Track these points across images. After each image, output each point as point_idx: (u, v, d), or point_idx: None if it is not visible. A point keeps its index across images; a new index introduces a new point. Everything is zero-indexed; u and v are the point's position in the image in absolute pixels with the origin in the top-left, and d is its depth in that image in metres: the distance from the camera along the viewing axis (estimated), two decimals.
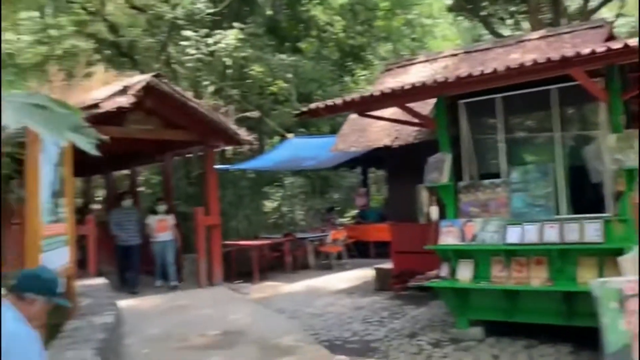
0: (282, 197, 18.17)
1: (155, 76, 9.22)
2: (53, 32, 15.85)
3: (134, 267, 9.94)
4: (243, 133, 10.52)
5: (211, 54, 13.72)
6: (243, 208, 14.62)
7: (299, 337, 6.52)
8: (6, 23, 15.38)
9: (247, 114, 13.95)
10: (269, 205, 17.97)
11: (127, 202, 10.29)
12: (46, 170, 5.21)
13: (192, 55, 13.71)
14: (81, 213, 10.76)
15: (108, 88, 9.31)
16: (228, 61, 13.90)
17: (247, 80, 14.98)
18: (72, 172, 6.43)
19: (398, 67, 10.25)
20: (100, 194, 17.69)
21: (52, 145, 5.47)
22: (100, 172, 15.12)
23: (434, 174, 6.28)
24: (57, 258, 5.30)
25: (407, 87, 5.81)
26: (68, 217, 6.09)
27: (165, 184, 12.19)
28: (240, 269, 11.25)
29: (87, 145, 1.79)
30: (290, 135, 14.64)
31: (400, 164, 8.74)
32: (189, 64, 14.20)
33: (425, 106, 7.57)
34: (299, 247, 12.45)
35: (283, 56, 15.03)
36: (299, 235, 13.04)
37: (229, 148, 12.49)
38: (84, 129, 2.03)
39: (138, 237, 10.00)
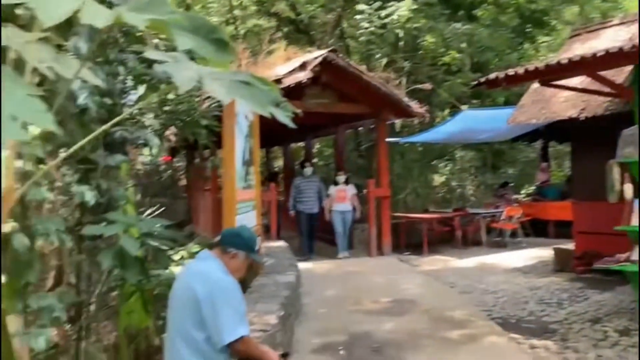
0: (452, 171, 17.79)
1: (331, 51, 9.52)
2: (238, 12, 17.11)
3: (312, 233, 10.48)
4: (415, 105, 10.47)
5: (384, 26, 13.76)
6: (412, 181, 14.62)
7: (470, 311, 6.45)
8: (197, 6, 16.95)
9: (419, 85, 13.79)
10: (437, 179, 17.73)
11: (308, 170, 10.71)
12: (239, 141, 5.75)
13: (366, 28, 13.87)
14: (271, 181, 11.61)
15: (288, 64, 9.85)
16: (400, 33, 13.84)
17: (419, 52, 14.79)
18: (258, 143, 7.02)
19: (587, 31, 9.39)
20: (277, 164, 18.96)
21: (243, 119, 6.01)
22: (279, 143, 16.17)
23: (629, 148, 5.72)
24: (247, 220, 5.86)
25: (600, 53, 5.32)
26: (255, 184, 6.68)
27: (337, 156, 12.65)
28: (409, 241, 11.35)
29: (285, 118, 1.94)
30: (463, 107, 14.20)
31: (588, 138, 8.08)
32: (362, 38, 14.40)
33: (618, 74, 6.88)
34: (470, 222, 12.16)
35: (457, 25, 14.51)
36: (470, 210, 12.72)
37: (397, 120, 12.49)
38: (283, 103, 2.19)
39: (318, 205, 10.48)
